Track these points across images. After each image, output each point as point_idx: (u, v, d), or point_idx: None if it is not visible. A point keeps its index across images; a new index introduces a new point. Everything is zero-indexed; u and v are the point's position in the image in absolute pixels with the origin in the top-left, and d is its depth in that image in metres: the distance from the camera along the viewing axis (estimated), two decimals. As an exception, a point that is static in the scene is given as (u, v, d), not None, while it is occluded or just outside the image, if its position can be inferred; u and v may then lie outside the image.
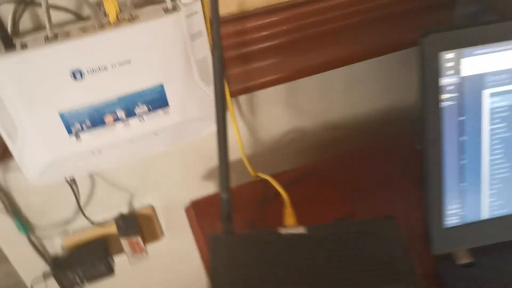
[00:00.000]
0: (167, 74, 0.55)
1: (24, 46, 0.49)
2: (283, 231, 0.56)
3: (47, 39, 0.49)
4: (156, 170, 0.73)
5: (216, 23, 0.49)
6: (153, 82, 0.55)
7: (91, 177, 0.68)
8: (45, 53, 0.49)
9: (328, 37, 0.65)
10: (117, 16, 0.50)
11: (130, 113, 0.57)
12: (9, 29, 0.50)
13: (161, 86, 0.56)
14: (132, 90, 0.55)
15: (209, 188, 0.79)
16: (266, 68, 0.66)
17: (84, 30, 0.51)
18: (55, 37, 0.50)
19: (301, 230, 0.56)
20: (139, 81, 0.55)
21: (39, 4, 0.51)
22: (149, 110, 0.57)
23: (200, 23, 0.54)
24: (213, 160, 0.76)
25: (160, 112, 0.58)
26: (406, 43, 0.69)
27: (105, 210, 0.73)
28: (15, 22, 0.51)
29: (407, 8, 0.66)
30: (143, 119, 0.58)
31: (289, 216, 0.59)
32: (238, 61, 0.64)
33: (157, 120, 0.59)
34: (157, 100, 0.57)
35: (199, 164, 0.76)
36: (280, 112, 0.74)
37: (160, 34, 0.52)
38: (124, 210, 0.75)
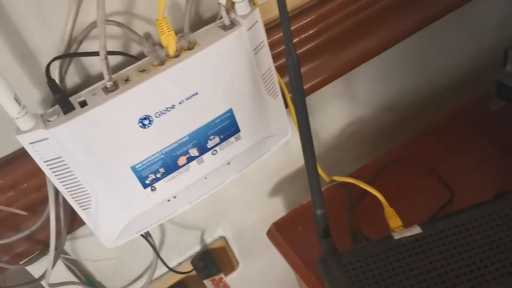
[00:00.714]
0: (235, 96, 0.50)
1: (83, 104, 0.43)
2: (396, 236, 0.51)
3: (106, 90, 0.43)
4: (222, 199, 0.67)
5: (287, 29, 0.44)
6: (222, 108, 0.50)
7: (161, 224, 0.63)
8: (109, 106, 0.43)
9: (374, 20, 0.60)
10: (176, 47, 0.45)
11: (202, 149, 0.51)
12: (57, 89, 0.44)
13: (230, 111, 0.50)
14: (202, 122, 0.49)
15: (277, 205, 0.74)
16: (319, 66, 0.61)
17: (144, 71, 0.45)
18: (115, 85, 0.44)
19: (416, 230, 0.51)
20: (208, 111, 0.49)
21: (86, 53, 0.45)
22: (221, 140, 0.52)
23: (261, 33, 0.49)
24: (278, 176, 0.71)
25: (232, 139, 0.53)
26: (456, 3, 0.64)
27: (178, 253, 0.68)
28: (62, 79, 0.45)
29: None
30: (216, 151, 0.52)
31: (393, 218, 0.54)
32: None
33: (230, 148, 0.53)
34: (228, 127, 0.51)
35: (264, 182, 0.71)
36: (336, 107, 0.69)
37: (224, 56, 0.47)
38: (197, 248, 0.70)
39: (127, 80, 0.44)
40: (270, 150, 0.59)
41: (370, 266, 0.49)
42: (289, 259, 0.60)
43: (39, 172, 0.45)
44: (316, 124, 0.69)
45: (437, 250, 0.49)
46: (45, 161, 0.43)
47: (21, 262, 0.51)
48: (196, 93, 0.47)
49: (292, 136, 0.59)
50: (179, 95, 0.46)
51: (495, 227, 0.50)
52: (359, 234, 0.57)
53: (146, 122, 0.45)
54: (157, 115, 0.46)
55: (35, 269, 0.55)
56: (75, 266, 0.58)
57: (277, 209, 0.74)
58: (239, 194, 0.69)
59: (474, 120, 0.66)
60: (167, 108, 0.46)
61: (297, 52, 0.60)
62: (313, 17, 0.57)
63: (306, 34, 0.58)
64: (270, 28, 0.54)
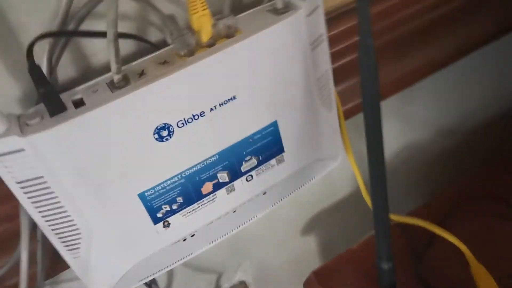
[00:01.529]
0: (282, 104, 0.37)
1: (79, 104, 0.30)
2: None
3: (113, 86, 0.31)
4: (244, 235, 0.54)
5: (365, 13, 0.32)
6: (265, 120, 0.37)
7: (168, 265, 0.50)
8: (114, 109, 0.30)
9: (446, 23, 0.49)
10: (211, 32, 0.32)
11: (234, 173, 0.38)
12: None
13: (275, 124, 0.38)
14: (237, 138, 0.37)
15: (311, 244, 0.61)
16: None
17: (165, 63, 0.32)
18: (125, 80, 0.31)
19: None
20: (246, 122, 0.36)
21: (87, 33, 0.32)
22: (259, 162, 0.39)
23: (321, 23, 0.37)
24: (313, 210, 0.58)
25: (273, 162, 0.40)
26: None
27: (187, 302, 0.54)
28: (52, 69, 0.33)
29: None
30: (252, 177, 0.40)
31: (484, 278, 0.41)
32: (346, 71, 0.46)
33: (269, 174, 0.40)
34: (270, 146, 0.39)
35: (296, 216, 0.57)
36: (389, 128, 0.57)
37: (274, 49, 0.34)
38: (211, 295, 0.56)
39: (142, 74, 0.32)
40: (315, 177, 0.46)
41: None
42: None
43: (10, 197, 0.32)
44: (363, 147, 0.56)
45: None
46: (18, 182, 0.30)
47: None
48: (234, 97, 0.34)
49: (338, 164, 0.46)
50: (211, 99, 0.33)
51: None
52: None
53: (165, 133, 0.33)
54: (180, 125, 0.33)
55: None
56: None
57: (310, 249, 0.61)
58: (266, 230, 0.56)
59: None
60: (193, 116, 0.33)
61: (348, 58, 0.48)
62: (377, 10, 0.45)
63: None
64: (327, 20, 0.42)
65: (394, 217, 0.52)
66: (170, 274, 0.50)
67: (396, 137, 0.58)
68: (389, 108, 0.54)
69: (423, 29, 0.49)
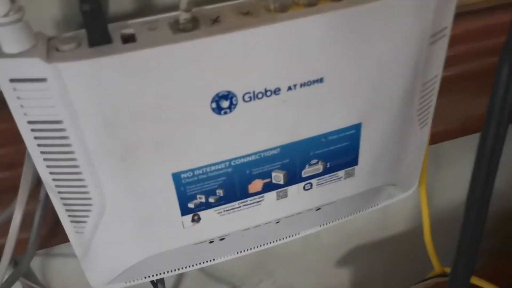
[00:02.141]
0: (373, 105, 0.29)
1: (128, 39, 0.23)
2: None
3: (177, 27, 0.24)
4: (274, 252, 0.46)
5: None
6: (348, 119, 0.29)
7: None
8: (171, 54, 0.23)
9: None
10: (316, -15, 0.25)
11: (293, 176, 0.30)
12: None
13: (358, 127, 0.30)
14: (309, 133, 0.29)
15: (342, 278, 0.52)
16: (463, 107, 0.40)
17: (248, 13, 0.25)
18: (194, 23, 0.24)
19: None
20: (326, 116, 0.29)
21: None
22: (326, 170, 0.31)
23: (450, 14, 0.29)
24: (356, 240, 0.50)
25: (340, 174, 0.32)
26: None
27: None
28: (104, -7, 0.26)
29: None
30: (311, 186, 0.32)
31: None
32: (452, 83, 0.38)
33: (332, 188, 0.33)
34: (343, 153, 0.31)
35: (335, 243, 0.49)
36: (465, 168, 0.48)
37: (386, 29, 0.26)
38: (219, 310, 0.48)
39: (216, 20, 0.24)
40: (378, 205, 0.38)
41: None
42: None
43: (18, 139, 0.25)
44: (437, 181, 0.48)
45: None
46: (29, 122, 0.23)
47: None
48: (321, 80, 0.26)
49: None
50: (293, 74, 0.26)
51: None
52: None
53: (225, 104, 0.25)
54: (247, 98, 0.25)
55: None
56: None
57: (341, 283, 0.52)
58: (299, 251, 0.48)
59: None
60: (266, 91, 0.26)
61: (459, 68, 0.40)
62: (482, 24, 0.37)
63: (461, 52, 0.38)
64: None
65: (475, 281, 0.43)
66: (180, 276, 0.43)
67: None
68: (465, 146, 0.46)
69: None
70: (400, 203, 0.46)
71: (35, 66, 0.22)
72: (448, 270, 0.44)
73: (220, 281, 0.46)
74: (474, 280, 0.42)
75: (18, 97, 0.23)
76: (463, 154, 0.47)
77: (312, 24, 0.24)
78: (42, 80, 0.22)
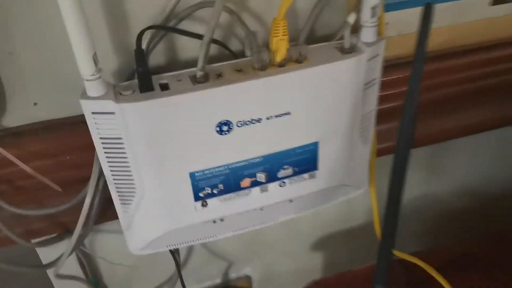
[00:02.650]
0: (326, 129, 0.43)
1: (164, 87, 0.37)
2: None
3: (195, 80, 0.37)
4: (263, 237, 0.60)
5: (419, 68, 0.37)
6: (308, 138, 0.43)
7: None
8: (192, 98, 0.36)
9: (504, 89, 0.53)
10: (285, 55, 0.38)
11: (272, 177, 0.44)
12: (139, 63, 0.38)
13: (316, 145, 0.44)
14: (282, 147, 0.42)
15: (317, 261, 0.65)
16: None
17: (240, 71, 0.38)
18: (205, 78, 0.37)
19: None
20: (293, 137, 0.42)
21: (189, 32, 0.39)
22: (295, 173, 0.45)
23: (378, 68, 0.42)
24: (328, 230, 0.63)
25: (305, 176, 0.45)
26: None
27: (196, 280, 0.60)
28: (147, 53, 0.39)
29: None
30: (285, 184, 0.45)
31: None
32: (388, 115, 0.52)
33: (300, 185, 0.46)
34: (306, 161, 0.44)
35: (311, 232, 0.63)
36: (413, 175, 0.61)
37: (334, 81, 0.40)
38: (218, 280, 0.62)
39: (219, 75, 0.38)
40: (338, 200, 0.51)
41: None
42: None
43: (88, 149, 0.39)
44: (385, 184, 0.61)
45: None
46: (101, 138, 0.37)
47: (33, 241, 0.44)
48: (288, 113, 0.40)
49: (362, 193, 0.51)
50: (270, 109, 0.39)
51: None
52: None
53: (225, 128, 0.39)
54: (239, 124, 0.39)
55: (43, 253, 0.49)
56: (86, 262, 0.51)
57: (314, 265, 0.65)
58: (282, 237, 0.61)
59: None
60: (252, 120, 0.39)
61: (392, 104, 0.53)
62: (429, 69, 0.50)
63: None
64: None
65: (400, 254, 0.56)
66: (190, 251, 0.56)
67: (418, 184, 0.63)
68: (419, 155, 0.59)
69: (471, 92, 0.53)
70: (360, 200, 0.59)
71: (108, 105, 0.35)
72: (397, 253, 0.57)
73: (219, 257, 0.59)
74: (407, 257, 0.55)
75: (95, 123, 0.36)
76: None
77: (282, 79, 0.38)
78: (112, 113, 0.36)
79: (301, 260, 0.64)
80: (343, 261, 0.64)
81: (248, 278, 0.63)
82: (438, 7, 0.47)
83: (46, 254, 0.48)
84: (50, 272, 0.50)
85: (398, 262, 0.56)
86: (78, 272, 0.51)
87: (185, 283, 0.57)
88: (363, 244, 0.60)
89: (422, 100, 0.52)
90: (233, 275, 0.62)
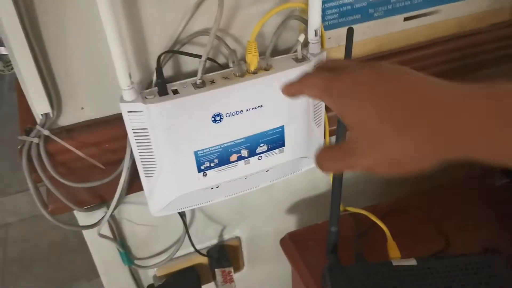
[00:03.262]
0: (289, 116, 0.60)
1: (175, 92, 0.54)
2: (395, 263, 0.60)
3: (196, 85, 0.54)
4: (248, 204, 0.77)
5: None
6: (276, 123, 0.60)
7: (193, 210, 0.72)
8: (195, 99, 0.53)
9: None
10: (256, 66, 0.56)
11: (252, 152, 0.61)
12: (154, 76, 0.55)
13: (282, 128, 0.61)
14: (258, 130, 0.60)
15: (292, 222, 0.83)
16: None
17: (227, 78, 0.56)
18: (203, 84, 0.54)
19: (412, 262, 0.60)
20: (265, 123, 0.59)
21: (192, 54, 0.55)
22: (268, 149, 0.62)
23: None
24: (299, 197, 0.81)
25: (276, 151, 0.63)
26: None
27: (198, 241, 0.76)
28: (160, 68, 0.56)
29: (493, 57, 0.73)
30: (261, 158, 0.62)
31: (393, 249, 0.63)
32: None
33: (273, 158, 0.63)
34: (276, 140, 0.62)
35: (286, 199, 0.80)
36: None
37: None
38: (215, 241, 0.79)
39: (212, 82, 0.55)
40: (302, 169, 0.69)
41: (369, 281, 0.58)
42: (296, 267, 0.69)
43: (120, 138, 0.56)
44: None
45: (426, 282, 0.58)
46: (133, 129, 0.54)
47: (84, 208, 0.60)
48: (261, 106, 0.57)
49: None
50: (248, 103, 0.57)
51: (480, 277, 0.58)
52: (362, 257, 0.66)
53: (218, 118, 0.56)
54: (228, 115, 0.56)
55: (83, 218, 0.65)
56: (115, 225, 0.67)
57: (290, 226, 0.83)
58: (263, 204, 0.78)
59: (480, 188, 0.76)
60: (236, 112, 0.56)
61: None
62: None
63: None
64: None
65: (350, 209, 0.74)
66: (193, 216, 0.73)
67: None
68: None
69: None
70: (323, 174, 0.76)
71: (138, 106, 0.52)
72: (348, 208, 0.75)
73: (215, 221, 0.76)
74: (356, 210, 0.73)
75: (130, 118, 0.53)
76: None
77: (256, 82, 0.55)
78: (141, 111, 0.52)
79: (279, 221, 0.81)
80: (313, 220, 0.81)
81: (237, 238, 0.80)
82: (368, 24, 0.65)
83: (85, 219, 0.64)
84: (88, 234, 0.66)
85: (350, 215, 0.74)
86: (109, 233, 0.67)
87: (187, 243, 0.74)
88: (327, 206, 0.77)
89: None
90: (226, 236, 0.79)
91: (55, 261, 1.73)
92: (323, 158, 0.40)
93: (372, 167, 0.35)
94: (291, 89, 0.42)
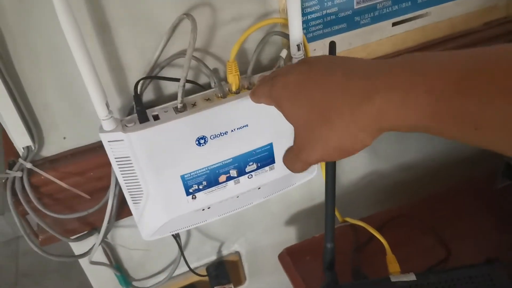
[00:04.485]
0: (277, 133, 0.59)
1: (156, 118, 0.52)
2: (393, 279, 0.59)
3: (177, 110, 0.53)
4: (244, 219, 0.76)
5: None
6: (264, 141, 0.59)
7: (189, 230, 0.71)
8: (176, 124, 0.52)
9: None
10: (238, 85, 0.54)
11: (241, 172, 0.60)
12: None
13: (271, 145, 0.59)
14: (245, 150, 0.58)
15: (290, 234, 0.82)
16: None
17: (208, 100, 0.54)
18: (184, 107, 0.53)
19: (411, 277, 0.58)
20: (253, 142, 0.58)
21: (170, 78, 0.54)
22: (258, 167, 0.61)
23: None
24: (295, 208, 0.79)
25: (266, 168, 0.61)
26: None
27: (196, 258, 0.76)
28: (141, 93, 0.55)
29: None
30: (252, 176, 0.61)
31: (392, 263, 0.62)
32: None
33: (263, 176, 0.62)
34: (265, 158, 0.60)
35: (283, 211, 0.79)
36: (359, 158, 0.78)
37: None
38: (213, 257, 0.78)
39: (194, 104, 0.54)
40: (295, 184, 0.67)
41: (365, 300, 0.57)
42: (294, 283, 0.68)
43: (105, 165, 0.55)
44: (339, 169, 0.77)
45: (425, 298, 0.56)
46: (115, 158, 0.52)
47: (72, 237, 0.60)
48: (247, 125, 0.56)
49: (316, 176, 0.67)
50: (233, 124, 0.55)
51: (480, 288, 0.57)
52: (361, 272, 0.65)
53: (202, 141, 0.54)
54: (212, 137, 0.55)
55: (75, 246, 0.64)
56: (110, 251, 0.67)
57: (290, 237, 0.81)
58: (260, 218, 0.77)
59: (480, 192, 0.74)
60: (221, 133, 0.55)
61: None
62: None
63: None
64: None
65: (349, 219, 0.72)
66: (189, 235, 0.72)
67: (364, 165, 0.79)
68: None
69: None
70: (317, 182, 0.75)
71: (119, 135, 0.51)
72: (347, 219, 0.73)
73: (212, 238, 0.75)
74: (354, 221, 0.71)
75: (111, 148, 0.52)
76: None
77: (239, 102, 0.54)
78: (121, 140, 0.51)
79: (278, 233, 0.80)
80: (312, 231, 0.80)
81: (237, 253, 0.79)
82: (355, 32, 0.63)
83: (78, 247, 0.64)
84: (83, 261, 0.65)
85: (349, 227, 0.72)
86: (104, 259, 0.67)
87: (187, 262, 0.73)
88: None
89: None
90: (224, 252, 0.78)
91: (66, 273, 1.75)
92: (285, 160, 0.45)
93: (323, 157, 0.38)
94: (253, 100, 0.49)
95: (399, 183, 0.83)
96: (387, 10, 0.63)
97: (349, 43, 0.63)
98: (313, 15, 0.59)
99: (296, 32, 0.54)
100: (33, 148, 0.53)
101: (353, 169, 0.78)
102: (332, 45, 0.52)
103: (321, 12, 0.59)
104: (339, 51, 0.63)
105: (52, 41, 0.48)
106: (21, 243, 1.97)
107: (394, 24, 0.64)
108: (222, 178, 0.59)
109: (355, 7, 0.61)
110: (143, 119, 0.52)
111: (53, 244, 0.60)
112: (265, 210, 0.76)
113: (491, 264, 0.59)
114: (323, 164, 0.69)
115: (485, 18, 0.68)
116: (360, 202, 0.81)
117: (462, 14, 0.67)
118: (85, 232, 0.61)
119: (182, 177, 0.56)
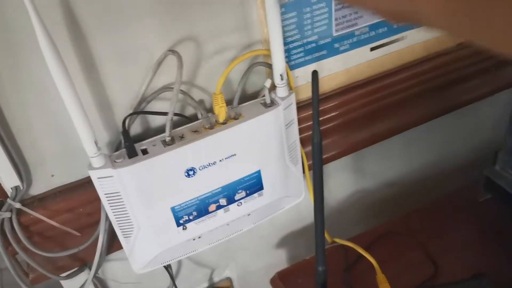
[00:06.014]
0: (264, 160, 0.60)
1: (145, 152, 0.53)
2: (385, 299, 0.60)
3: (165, 143, 0.53)
4: (234, 244, 0.76)
5: (316, 114, 0.54)
6: (252, 169, 0.60)
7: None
8: (165, 157, 0.52)
9: (386, 111, 0.71)
10: (225, 116, 0.55)
11: (230, 200, 0.60)
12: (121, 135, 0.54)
13: (258, 172, 0.60)
14: (234, 178, 0.59)
15: (281, 256, 0.82)
16: (335, 142, 0.71)
17: (196, 131, 0.55)
18: (172, 140, 0.54)
19: (402, 297, 0.60)
20: (241, 170, 0.59)
21: (158, 112, 0.55)
22: (247, 194, 0.61)
23: (293, 113, 0.59)
24: (285, 231, 0.80)
25: (255, 195, 0.62)
26: (461, 104, 0.75)
27: (189, 286, 0.75)
28: (128, 127, 0.55)
29: (460, 76, 0.73)
30: (241, 204, 0.62)
31: (383, 283, 0.63)
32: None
33: (252, 202, 0.62)
34: (254, 185, 0.61)
35: (272, 234, 0.79)
36: (345, 177, 0.79)
37: (262, 128, 0.57)
38: (205, 285, 0.77)
39: (182, 137, 0.54)
40: (284, 207, 0.68)
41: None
42: (288, 307, 0.68)
43: (94, 201, 0.55)
44: (325, 189, 0.78)
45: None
46: (105, 194, 0.53)
47: (62, 275, 0.59)
48: (234, 154, 0.57)
49: (304, 198, 0.68)
50: (221, 154, 0.56)
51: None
52: (352, 293, 0.65)
53: (191, 173, 0.55)
54: (201, 168, 0.55)
55: (67, 284, 0.63)
56: (100, 285, 0.66)
57: (280, 260, 0.82)
58: (250, 242, 0.77)
59: (464, 206, 0.76)
60: (209, 164, 0.56)
61: (323, 128, 0.70)
62: (336, 102, 0.68)
63: (328, 116, 0.68)
64: (299, 107, 0.65)
65: (338, 240, 0.73)
66: (180, 265, 0.72)
67: (350, 183, 0.80)
68: (347, 162, 0.77)
69: (368, 113, 0.71)
70: (305, 204, 0.76)
71: (108, 172, 0.51)
72: (336, 240, 0.74)
73: (203, 266, 0.75)
74: (343, 242, 0.72)
75: (100, 184, 0.52)
76: (338, 170, 0.78)
77: (226, 133, 0.55)
78: (111, 176, 0.51)
79: (268, 257, 0.80)
80: (302, 252, 0.81)
81: (228, 279, 0.79)
82: (335, 58, 0.65)
83: (68, 284, 0.63)
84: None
85: (339, 246, 0.73)
86: (96, 294, 0.66)
87: (178, 291, 0.73)
88: (313, 238, 0.77)
89: (336, 123, 0.70)
90: (216, 278, 0.78)
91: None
92: None
93: None
94: None
95: (386, 199, 0.84)
96: (365, 36, 0.65)
97: (329, 69, 0.65)
98: (294, 44, 0.61)
99: (279, 62, 0.55)
100: (21, 187, 0.53)
101: (339, 188, 0.80)
102: (315, 75, 0.53)
103: (302, 41, 0.61)
104: (320, 77, 0.65)
105: (39, 79, 0.49)
106: (4, 276, 1.92)
107: (372, 49, 0.66)
108: (212, 207, 0.60)
109: (334, 34, 0.63)
110: (132, 154, 0.52)
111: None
112: (254, 233, 0.76)
113: (478, 279, 0.60)
114: (309, 186, 0.71)
115: (458, 39, 0.71)
116: (348, 220, 0.82)
117: (436, 36, 0.69)
118: (76, 268, 0.61)
119: (173, 209, 0.57)
